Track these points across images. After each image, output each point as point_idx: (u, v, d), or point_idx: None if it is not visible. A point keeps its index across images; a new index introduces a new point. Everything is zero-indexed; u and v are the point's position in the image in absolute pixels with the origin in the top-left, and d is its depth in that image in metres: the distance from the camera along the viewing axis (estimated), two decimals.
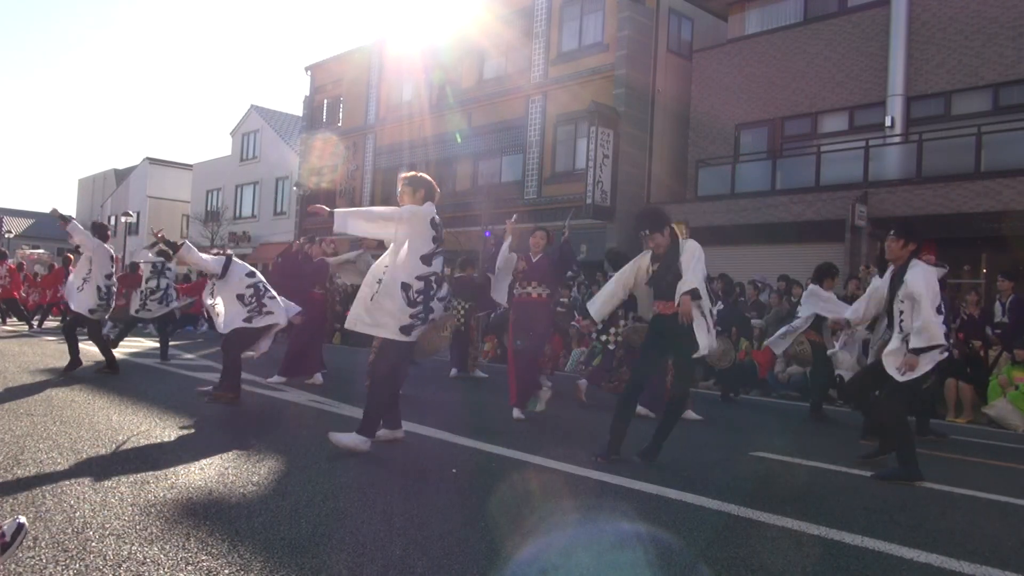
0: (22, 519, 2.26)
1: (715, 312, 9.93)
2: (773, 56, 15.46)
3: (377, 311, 4.38)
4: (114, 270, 7.70)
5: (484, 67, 20.30)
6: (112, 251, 7.77)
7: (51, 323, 16.49)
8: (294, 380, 7.83)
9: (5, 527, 2.21)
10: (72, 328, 7.70)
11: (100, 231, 7.82)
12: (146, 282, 9.62)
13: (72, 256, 17.18)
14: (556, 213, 17.29)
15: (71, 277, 7.72)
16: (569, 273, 8.10)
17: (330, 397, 6.95)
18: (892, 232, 4.80)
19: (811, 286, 7.55)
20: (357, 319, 4.45)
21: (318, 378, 7.91)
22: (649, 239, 4.62)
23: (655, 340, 4.70)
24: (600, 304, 4.96)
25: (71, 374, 7.44)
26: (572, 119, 17.43)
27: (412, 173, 4.77)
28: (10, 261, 16.36)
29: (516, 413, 6.31)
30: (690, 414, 6.94)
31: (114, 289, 7.75)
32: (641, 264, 4.77)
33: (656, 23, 16.95)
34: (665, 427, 4.68)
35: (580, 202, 16.12)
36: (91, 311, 7.46)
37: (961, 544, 3.22)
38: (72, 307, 7.58)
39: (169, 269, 9.64)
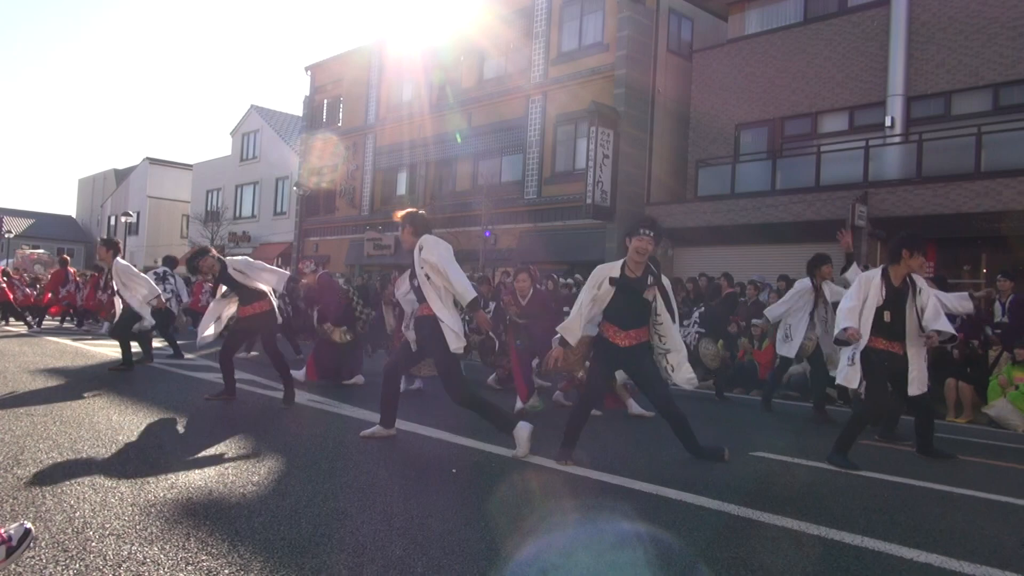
0: (29, 525, 2.26)
1: (698, 315, 9.72)
2: (773, 56, 15.46)
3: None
4: (159, 290, 8.00)
5: (484, 67, 20.30)
6: (134, 268, 7.97)
7: (50, 323, 16.50)
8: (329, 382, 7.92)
9: (12, 531, 2.21)
10: (141, 333, 7.99)
11: (112, 246, 7.97)
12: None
13: (68, 257, 17.29)
14: (556, 213, 17.32)
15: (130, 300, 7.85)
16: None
17: (329, 397, 6.95)
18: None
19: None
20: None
21: (359, 379, 8.02)
22: (644, 248, 4.30)
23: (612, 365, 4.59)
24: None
25: (109, 374, 7.65)
26: (572, 119, 17.43)
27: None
28: (2, 264, 16.45)
29: (518, 405, 6.35)
30: (633, 406, 6.65)
31: (154, 304, 7.91)
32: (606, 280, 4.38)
33: (656, 23, 16.95)
34: (684, 433, 4.56)
35: (580, 202, 16.13)
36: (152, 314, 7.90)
37: (961, 544, 3.22)
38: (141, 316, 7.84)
39: (172, 276, 9.64)
